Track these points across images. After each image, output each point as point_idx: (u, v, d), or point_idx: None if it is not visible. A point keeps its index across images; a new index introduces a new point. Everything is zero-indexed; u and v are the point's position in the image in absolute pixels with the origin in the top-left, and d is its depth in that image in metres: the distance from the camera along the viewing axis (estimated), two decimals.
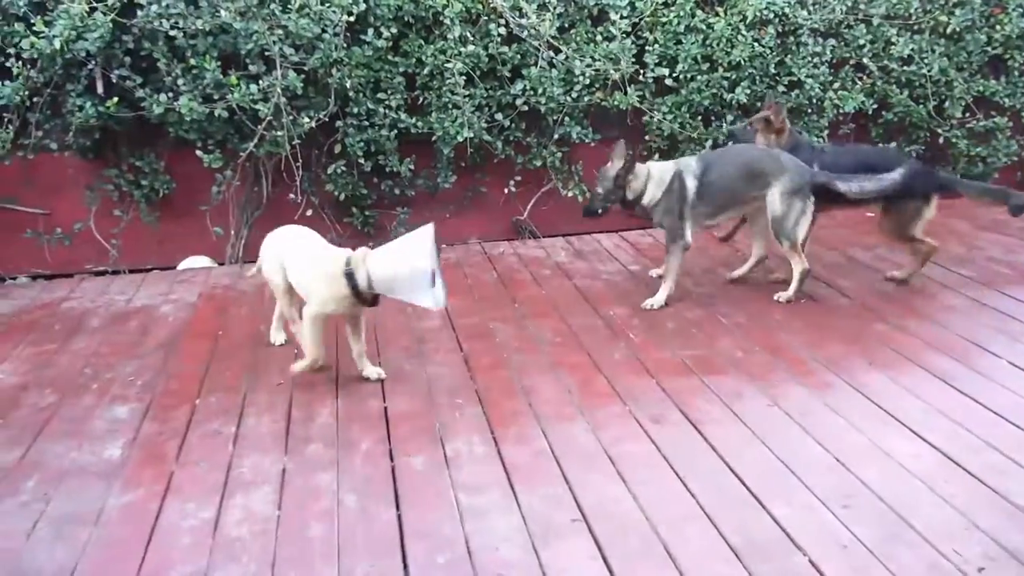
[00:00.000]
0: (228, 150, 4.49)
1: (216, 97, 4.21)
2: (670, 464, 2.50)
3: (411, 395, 3.00)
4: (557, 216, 5.08)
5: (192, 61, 4.16)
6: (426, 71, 4.54)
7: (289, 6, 4.19)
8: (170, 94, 4.18)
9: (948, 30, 4.95)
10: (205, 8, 4.13)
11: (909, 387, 2.94)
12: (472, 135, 4.57)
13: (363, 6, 4.29)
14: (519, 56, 4.64)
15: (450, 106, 4.56)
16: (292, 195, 4.56)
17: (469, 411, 2.87)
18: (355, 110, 4.51)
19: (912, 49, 4.95)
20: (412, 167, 4.70)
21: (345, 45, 4.36)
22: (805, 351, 3.25)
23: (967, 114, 5.17)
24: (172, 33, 4.09)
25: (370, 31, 4.36)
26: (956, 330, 3.39)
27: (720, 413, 2.80)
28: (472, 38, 4.53)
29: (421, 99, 4.65)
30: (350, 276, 2.87)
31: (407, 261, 2.81)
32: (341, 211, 4.85)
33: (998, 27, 4.99)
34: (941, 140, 5.18)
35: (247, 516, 2.30)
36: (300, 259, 3.13)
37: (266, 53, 4.23)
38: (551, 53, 4.65)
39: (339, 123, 4.55)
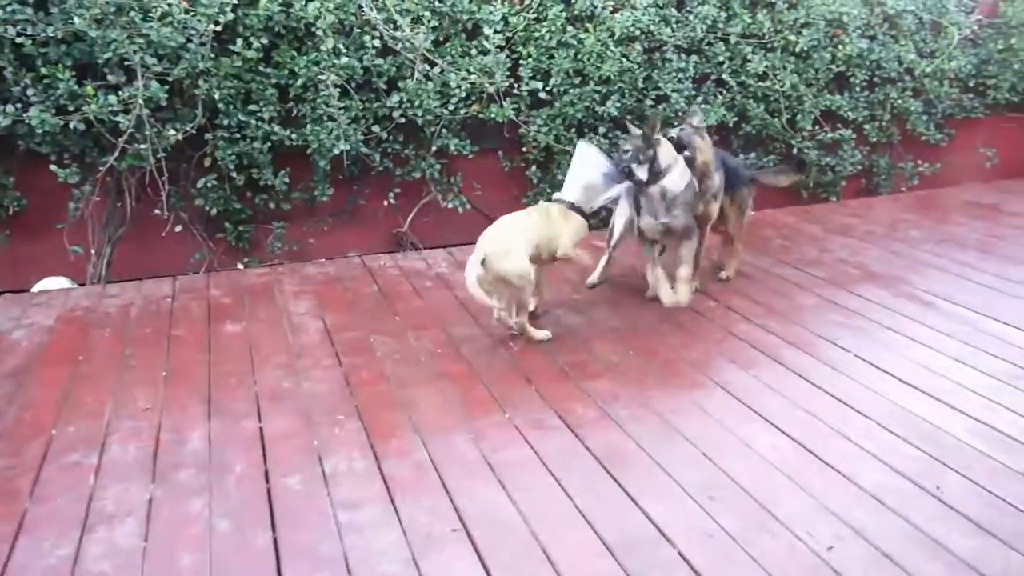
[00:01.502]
0: (86, 164, 4.25)
1: (71, 108, 3.98)
2: (548, 469, 2.56)
3: (288, 413, 2.94)
4: (438, 227, 5.09)
5: (43, 70, 3.91)
6: (299, 83, 4.46)
7: (151, 14, 4.03)
8: (18, 105, 3.92)
9: (797, 49, 5.33)
10: (57, 15, 3.90)
11: (769, 383, 3.13)
12: (349, 147, 4.53)
13: (231, 15, 4.17)
14: (395, 68, 4.64)
15: (325, 118, 4.49)
16: (158, 211, 4.36)
17: (349, 427, 2.84)
18: (225, 122, 4.37)
19: (766, 66, 5.29)
20: (287, 180, 4.60)
21: (212, 55, 4.22)
22: (675, 353, 3.41)
23: (816, 126, 5.57)
24: (19, 40, 3.84)
25: (239, 41, 4.24)
26: (810, 327, 3.64)
27: (596, 416, 2.89)
28: (346, 50, 4.49)
29: (295, 111, 4.56)
30: (572, 206, 3.62)
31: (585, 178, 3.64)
32: (213, 227, 4.68)
33: (840, 47, 5.41)
34: (795, 151, 5.55)
35: (110, 550, 2.19)
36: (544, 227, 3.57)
37: (126, 63, 4.04)
38: (426, 66, 4.67)
39: (208, 136, 4.40)
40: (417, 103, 4.64)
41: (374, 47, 4.54)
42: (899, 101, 5.71)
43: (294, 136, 4.50)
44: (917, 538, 2.19)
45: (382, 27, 4.55)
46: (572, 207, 3.63)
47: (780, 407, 2.94)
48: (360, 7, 4.52)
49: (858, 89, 5.60)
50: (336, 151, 4.48)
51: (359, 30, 4.55)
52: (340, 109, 4.48)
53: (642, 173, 3.64)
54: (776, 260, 4.57)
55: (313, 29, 4.43)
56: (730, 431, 2.78)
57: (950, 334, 3.51)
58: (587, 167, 3.67)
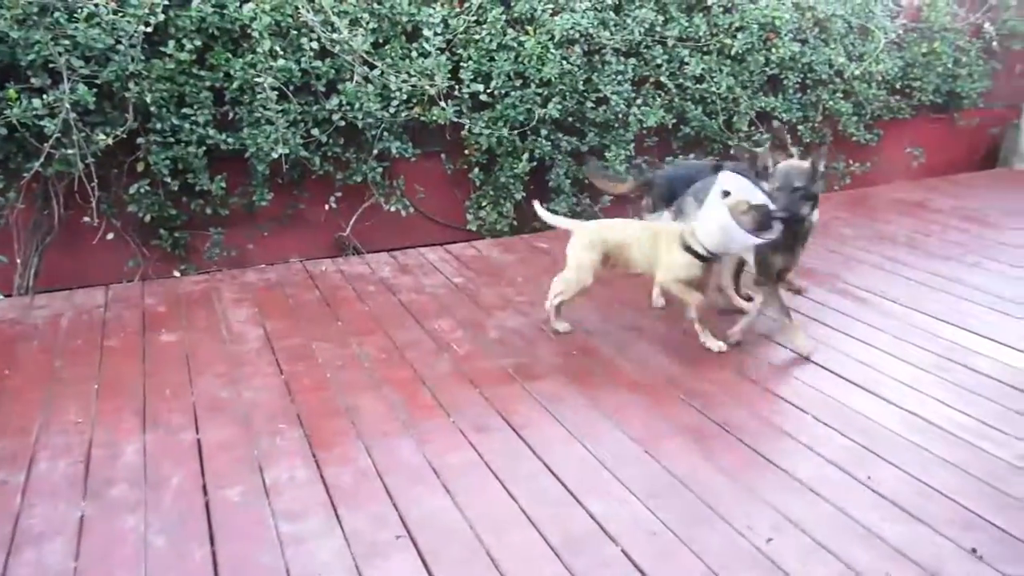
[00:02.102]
0: (10, 171, 4.09)
1: None
2: (493, 471, 2.56)
3: (227, 424, 2.87)
4: (381, 231, 5.05)
5: None
6: (235, 85, 4.36)
7: (76, 15, 3.89)
8: None
9: (732, 52, 5.44)
10: None
11: (711, 379, 3.18)
12: (288, 151, 4.45)
13: (161, 17, 4.06)
14: (334, 71, 4.58)
15: (263, 121, 4.41)
16: (88, 218, 4.21)
17: (290, 435, 2.79)
18: (158, 126, 4.25)
19: (703, 69, 5.38)
20: (224, 185, 4.50)
21: (143, 57, 4.11)
22: (619, 351, 3.44)
23: (752, 127, 5.70)
24: None
25: (171, 43, 4.13)
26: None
27: (540, 417, 2.90)
28: (283, 52, 4.41)
29: (231, 114, 4.46)
30: (687, 247, 3.29)
31: (724, 219, 3.14)
32: (147, 233, 4.55)
33: (773, 50, 5.54)
34: (732, 152, 5.65)
35: (38, 572, 2.11)
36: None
37: (51, 65, 3.90)
38: (366, 68, 4.62)
39: (141, 140, 4.27)
40: (357, 106, 4.59)
41: (312, 49, 4.47)
42: (830, 102, 5.87)
43: (231, 140, 4.40)
44: (850, 527, 2.26)
45: (319, 29, 4.49)
46: (686, 246, 3.30)
47: (720, 403, 2.99)
48: (297, 9, 4.45)
49: (791, 91, 5.75)
50: (274, 155, 4.40)
51: (296, 32, 4.47)
52: (278, 112, 4.40)
53: (807, 211, 3.20)
54: None
55: (249, 31, 4.34)
56: (672, 427, 2.82)
57: (882, 328, 3.63)
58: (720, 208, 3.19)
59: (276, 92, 4.39)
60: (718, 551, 2.17)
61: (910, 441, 2.70)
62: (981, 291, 4.04)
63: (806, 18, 5.68)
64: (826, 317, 3.78)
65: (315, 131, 4.61)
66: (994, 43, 6.48)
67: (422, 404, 3.02)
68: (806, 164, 3.20)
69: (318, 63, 4.51)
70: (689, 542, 2.20)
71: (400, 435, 2.79)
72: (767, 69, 5.60)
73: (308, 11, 4.46)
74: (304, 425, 2.85)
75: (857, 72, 5.86)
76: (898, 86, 6.20)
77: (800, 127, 5.86)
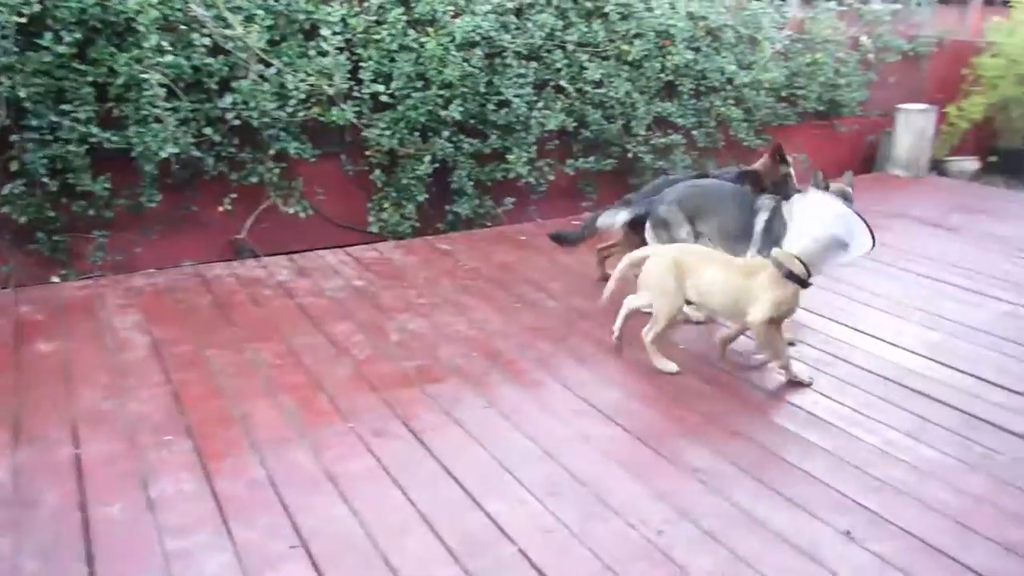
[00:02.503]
0: None
1: None
2: (391, 476, 2.54)
3: (110, 437, 2.74)
4: (279, 234, 4.92)
5: None
6: (120, 81, 4.15)
7: None
8: None
9: (630, 58, 5.58)
10: None
11: (607, 377, 3.27)
12: (178, 151, 4.28)
13: (37, 7, 3.83)
14: (227, 68, 4.43)
15: (150, 119, 4.22)
16: None
17: (178, 447, 2.68)
18: (34, 123, 4.00)
19: (602, 74, 5.50)
20: (109, 186, 4.28)
21: (16, 50, 3.87)
22: (518, 353, 3.47)
23: (649, 132, 5.86)
24: None
25: (48, 35, 3.90)
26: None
27: (440, 420, 2.90)
28: (172, 47, 4.23)
29: (116, 111, 4.25)
30: (791, 274, 3.00)
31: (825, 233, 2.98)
32: (22, 237, 4.27)
33: (669, 57, 5.72)
34: (631, 155, 5.81)
35: None
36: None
37: None
38: (261, 66, 4.50)
39: (15, 137, 4.02)
40: (252, 105, 4.45)
41: (203, 45, 4.32)
42: (722, 109, 6.11)
43: (115, 138, 4.19)
44: (735, 515, 2.36)
45: (211, 25, 4.34)
46: (791, 275, 3.00)
47: (616, 400, 3.08)
48: (187, 2, 4.29)
49: (686, 97, 5.95)
50: (163, 154, 4.22)
51: (186, 27, 4.31)
52: (167, 110, 4.23)
53: None
54: (617, 259, 4.74)
55: (134, 24, 4.15)
56: (569, 426, 2.88)
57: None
58: (829, 220, 3.02)
59: (165, 89, 4.21)
60: (611, 545, 2.22)
61: (791, 431, 2.84)
62: (861, 289, 4.28)
63: (699, 27, 5.89)
64: None
65: (208, 130, 4.45)
66: (870, 55, 6.91)
67: (319, 410, 2.96)
68: (848, 189, 3.57)
69: (210, 60, 4.36)
70: (584, 538, 2.25)
71: (296, 443, 2.73)
72: (663, 75, 5.77)
73: (199, 6, 4.30)
74: (194, 436, 2.75)
75: (747, 80, 6.12)
76: (784, 94, 6.51)
77: (695, 132, 6.07)
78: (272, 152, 4.68)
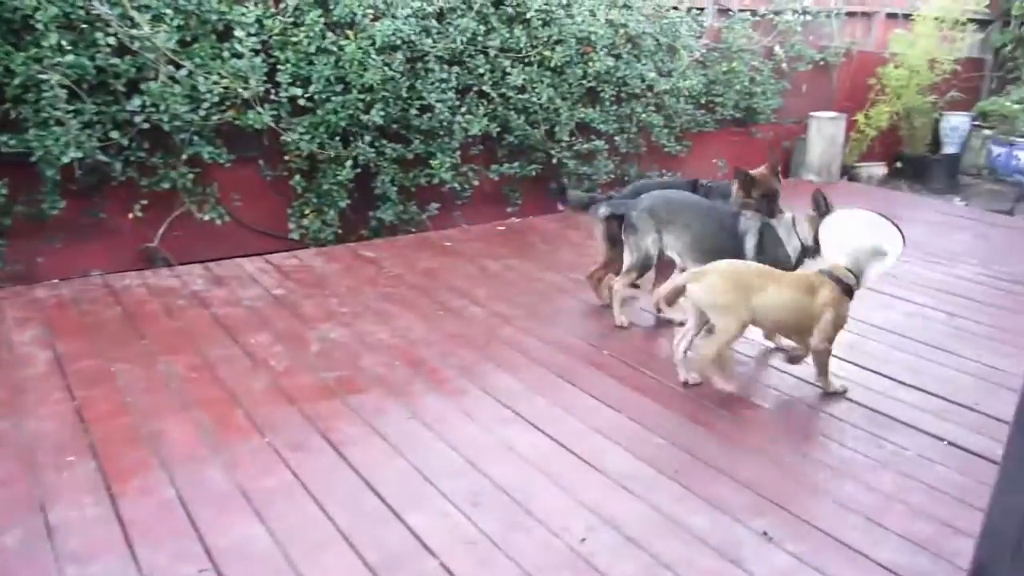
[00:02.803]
0: None
1: None
2: (310, 492, 2.46)
3: (4, 460, 2.57)
4: (194, 241, 4.74)
5: None
6: (17, 82, 3.93)
7: None
8: None
9: (552, 64, 5.61)
10: None
11: (531, 385, 3.25)
12: (82, 155, 4.09)
13: None
14: (135, 69, 4.25)
15: (51, 122, 4.01)
16: None
17: (80, 469, 2.54)
18: None
19: (524, 79, 5.52)
20: (6, 192, 4.05)
21: None
22: (441, 361, 3.43)
23: (573, 137, 5.91)
24: None
25: None
26: (568, 329, 3.84)
27: (361, 432, 2.83)
28: (73, 47, 4.03)
29: (13, 114, 4.02)
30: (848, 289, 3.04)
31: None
32: None
33: (590, 63, 5.78)
34: (555, 161, 5.84)
35: None
36: None
37: None
38: (172, 68, 4.33)
39: None
40: (163, 107, 4.28)
41: (108, 45, 4.13)
42: (643, 115, 6.21)
43: (13, 142, 3.97)
44: (658, 520, 2.38)
45: (116, 24, 4.15)
46: (848, 290, 3.04)
47: (540, 408, 3.06)
48: (90, 0, 4.09)
49: (608, 103, 6.02)
50: (66, 159, 4.02)
51: (88, 26, 4.11)
52: (69, 113, 4.03)
53: None
54: (541, 265, 4.77)
55: (32, 22, 3.93)
56: (493, 434, 2.85)
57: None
58: (865, 231, 3.12)
59: (66, 90, 4.01)
60: (534, 555, 2.20)
61: (712, 434, 2.89)
62: None
63: (619, 35, 5.97)
64: (640, 318, 3.97)
65: (115, 134, 4.27)
66: (783, 64, 7.14)
67: (234, 425, 2.85)
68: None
69: (116, 60, 4.17)
70: (506, 548, 2.22)
71: (209, 460, 2.62)
72: (585, 82, 5.83)
73: (102, 3, 4.11)
74: (98, 456, 2.61)
75: (666, 87, 6.24)
76: (703, 101, 6.66)
77: (617, 138, 6.15)
78: (185, 157, 4.52)
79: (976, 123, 8.34)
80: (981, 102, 8.23)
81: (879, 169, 7.99)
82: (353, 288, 4.25)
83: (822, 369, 3.16)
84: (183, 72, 4.36)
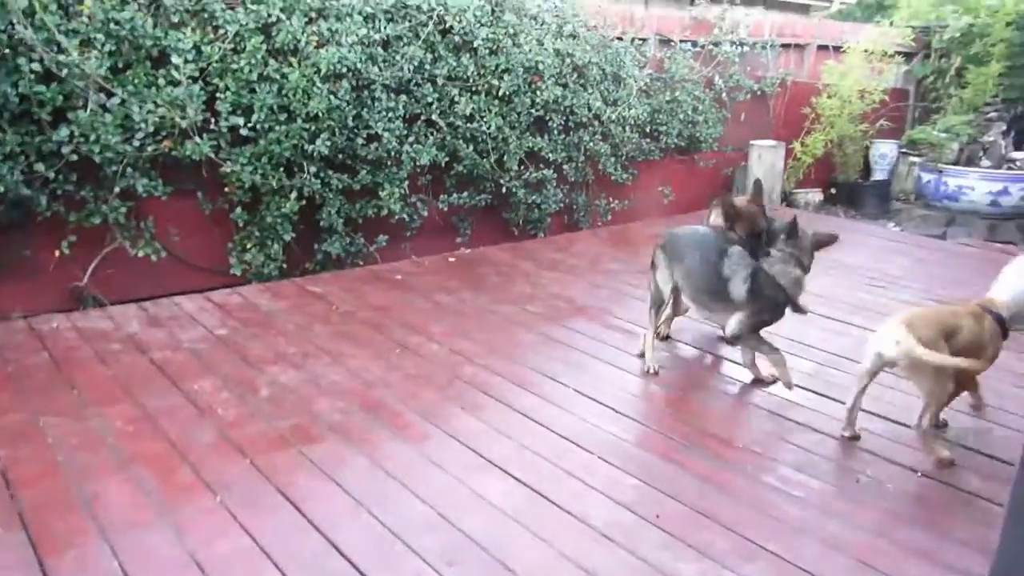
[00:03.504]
0: None
1: None
2: (269, 556, 2.27)
3: None
4: (127, 279, 4.46)
5: None
6: None
7: None
8: None
9: (500, 93, 5.55)
10: None
11: (498, 427, 3.11)
12: (3, 189, 3.79)
13: None
14: (62, 97, 3.98)
15: None
16: None
17: (8, 540, 2.28)
18: None
19: (473, 108, 5.43)
20: None
21: None
22: (402, 404, 3.26)
23: (522, 167, 5.84)
24: None
25: None
26: (531, 365, 3.72)
27: (321, 486, 2.64)
28: None
29: None
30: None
31: None
32: None
33: (538, 93, 5.74)
34: (504, 190, 5.76)
35: None
36: None
37: None
38: (103, 96, 4.08)
39: None
40: (93, 138, 4.02)
41: (33, 71, 3.86)
42: (591, 144, 6.20)
43: None
44: (645, 571, 2.26)
45: (41, 49, 3.88)
46: (1003, 326, 2.97)
47: (510, 451, 2.92)
48: (12, 24, 3.82)
49: (556, 132, 5.99)
50: None
51: (11, 51, 3.83)
52: None
53: None
54: (495, 298, 4.66)
55: None
56: (463, 483, 2.70)
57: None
58: None
59: None
60: None
61: (688, 475, 2.81)
62: None
63: (566, 64, 5.95)
64: (603, 353, 3.88)
65: (40, 166, 3.97)
66: (724, 94, 7.27)
67: (181, 483, 2.62)
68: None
69: (41, 87, 3.90)
70: None
71: (155, 525, 2.39)
72: (533, 110, 5.78)
73: (26, 27, 3.84)
74: (28, 525, 2.35)
75: (613, 116, 6.25)
76: (648, 130, 6.71)
77: (565, 167, 6.12)
78: (117, 190, 4.24)
79: (903, 151, 8.67)
80: (910, 131, 8.55)
81: (816, 195, 8.20)
82: (302, 326, 4.05)
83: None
84: (115, 100, 4.11)
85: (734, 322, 3.42)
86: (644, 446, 3.00)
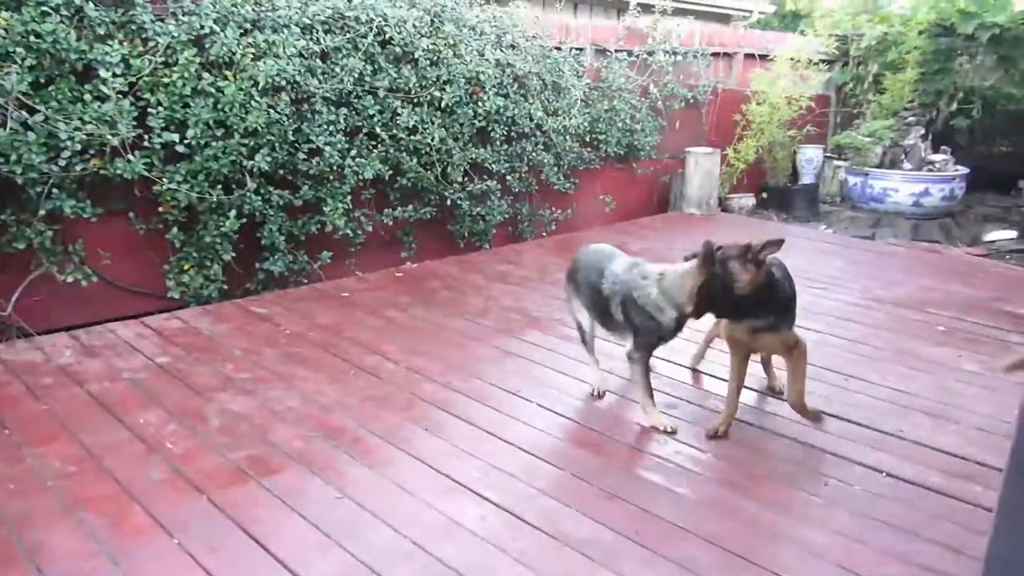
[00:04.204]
0: None
1: None
2: None
3: None
4: (56, 307, 4.20)
5: None
6: None
7: None
8: None
9: (443, 104, 5.48)
10: None
11: (464, 447, 3.03)
12: None
13: None
14: None
15: None
16: None
17: None
18: None
19: (416, 120, 5.34)
20: None
21: None
22: (362, 428, 3.15)
23: (466, 178, 5.78)
24: None
25: None
26: (490, 379, 3.64)
27: (286, 520, 2.51)
28: None
29: None
30: None
31: None
32: None
33: (480, 103, 5.70)
34: (449, 203, 5.69)
35: None
36: None
37: None
38: (24, 113, 3.83)
39: None
40: (14, 158, 3.77)
41: None
42: (533, 154, 6.19)
43: None
44: None
45: None
46: None
47: (479, 471, 2.85)
48: None
49: (499, 143, 5.95)
50: None
51: None
52: None
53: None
54: (447, 312, 4.57)
55: None
56: (435, 509, 2.61)
57: (609, 370, 3.75)
58: None
59: None
60: None
61: (662, 486, 2.79)
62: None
63: (507, 74, 5.93)
64: (558, 364, 3.84)
65: None
66: (659, 103, 7.38)
67: (134, 526, 2.45)
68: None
69: None
70: None
71: (107, 573, 2.22)
72: (476, 121, 5.74)
73: None
74: None
75: (554, 125, 6.26)
76: (588, 139, 6.75)
77: (509, 177, 6.09)
78: (42, 212, 3.99)
79: (828, 155, 8.99)
80: (836, 135, 8.87)
81: (749, 200, 8.41)
82: (250, 350, 3.88)
83: None
84: (38, 117, 3.86)
85: (629, 343, 3.26)
86: (612, 458, 2.97)
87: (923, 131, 8.19)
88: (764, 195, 8.64)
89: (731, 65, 8.48)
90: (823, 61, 8.73)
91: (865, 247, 6.78)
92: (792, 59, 8.19)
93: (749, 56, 8.54)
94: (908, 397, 3.55)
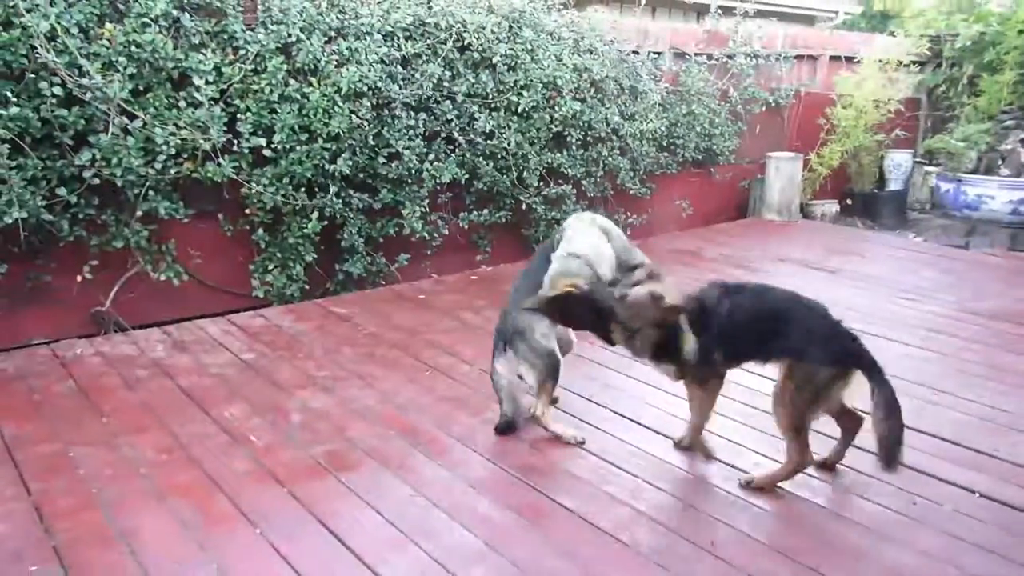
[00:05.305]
0: None
1: None
2: None
3: None
4: (149, 302, 4.41)
5: None
6: None
7: None
8: None
9: (519, 109, 5.50)
10: None
11: (538, 447, 3.03)
12: (26, 215, 3.74)
13: None
14: (84, 120, 3.94)
15: None
16: None
17: None
18: None
19: (492, 125, 5.39)
20: None
21: None
22: (438, 428, 3.19)
23: (541, 183, 5.79)
24: None
25: None
26: (563, 384, 3.61)
27: (363, 516, 2.57)
28: (16, 98, 3.72)
29: None
30: None
31: None
32: None
33: (557, 108, 5.70)
34: (524, 207, 5.71)
35: None
36: None
37: None
38: (125, 119, 4.04)
39: None
40: (115, 161, 3.98)
41: (55, 95, 3.82)
42: (609, 159, 6.15)
43: None
44: None
45: (64, 73, 3.85)
46: None
47: (552, 476, 2.84)
48: (34, 48, 3.79)
49: (574, 147, 5.94)
50: (8, 220, 3.67)
51: (34, 75, 3.80)
52: (12, 169, 3.70)
53: None
54: None
55: None
56: (510, 510, 2.62)
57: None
58: None
59: (8, 145, 3.68)
60: None
61: (738, 497, 2.73)
62: None
63: (583, 79, 5.91)
64: (633, 370, 3.80)
65: (62, 190, 3.94)
66: (739, 107, 7.23)
67: (219, 514, 2.55)
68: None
69: (63, 111, 3.86)
70: None
71: (196, 560, 2.32)
72: (552, 126, 5.74)
73: (48, 51, 3.81)
74: (65, 562, 2.28)
75: (631, 130, 6.21)
76: (665, 143, 6.66)
77: (584, 182, 6.07)
78: (139, 213, 4.20)
79: (918, 160, 8.62)
80: (928, 140, 8.50)
81: (832, 206, 8.14)
82: (330, 349, 3.98)
83: None
84: (137, 123, 4.07)
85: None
86: (690, 469, 2.92)
87: (1022, 135, 7.76)
88: (848, 201, 8.36)
89: (815, 68, 8.23)
90: (913, 63, 8.39)
91: (958, 256, 6.48)
92: (880, 61, 7.90)
93: (834, 58, 8.27)
94: (1005, 415, 3.37)
